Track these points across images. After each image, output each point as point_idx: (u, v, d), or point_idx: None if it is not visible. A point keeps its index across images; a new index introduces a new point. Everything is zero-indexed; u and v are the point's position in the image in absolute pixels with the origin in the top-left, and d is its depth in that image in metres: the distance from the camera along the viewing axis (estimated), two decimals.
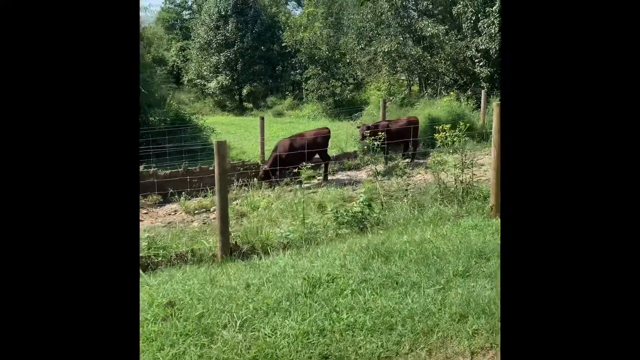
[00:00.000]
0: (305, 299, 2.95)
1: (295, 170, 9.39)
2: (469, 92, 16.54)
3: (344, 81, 23.10)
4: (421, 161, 11.93)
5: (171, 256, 4.93)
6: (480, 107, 14.39)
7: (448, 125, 6.71)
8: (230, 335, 2.51)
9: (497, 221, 5.28)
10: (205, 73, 30.16)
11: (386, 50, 17.25)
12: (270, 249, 5.00)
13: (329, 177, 10.46)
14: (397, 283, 3.21)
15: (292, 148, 9.62)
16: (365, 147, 12.38)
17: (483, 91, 14.71)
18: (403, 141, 11.89)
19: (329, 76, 22.59)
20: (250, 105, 30.73)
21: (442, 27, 16.92)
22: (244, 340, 2.45)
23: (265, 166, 9.70)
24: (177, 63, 37.00)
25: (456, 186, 6.30)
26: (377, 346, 2.38)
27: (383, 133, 8.16)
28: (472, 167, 6.38)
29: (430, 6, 18.88)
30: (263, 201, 8.37)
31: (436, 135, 6.82)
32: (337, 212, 5.73)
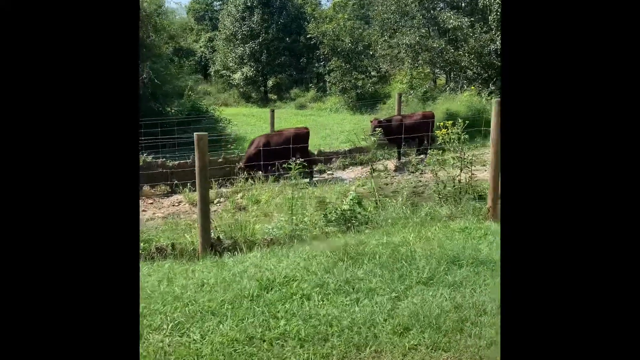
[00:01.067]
0: (250, 303, 2.82)
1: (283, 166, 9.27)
2: (491, 87, 16.02)
3: (367, 74, 22.77)
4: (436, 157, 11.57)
5: (151, 250, 4.88)
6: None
7: (450, 122, 6.46)
8: (158, 339, 2.42)
9: (489, 224, 5.04)
10: (230, 64, 30.27)
11: (408, 42, 16.87)
12: (251, 246, 4.91)
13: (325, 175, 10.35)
14: (353, 289, 3.05)
15: (267, 146, 9.49)
16: (376, 142, 12.19)
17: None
18: (418, 136, 11.60)
19: (351, 68, 22.29)
20: (275, 97, 30.71)
21: (466, 19, 16.41)
22: (169, 346, 2.35)
23: (241, 164, 9.63)
24: (205, 54, 37.26)
25: (453, 185, 6.06)
26: (303, 359, 2.24)
27: (380, 129, 7.94)
28: (471, 166, 6.11)
29: None
30: (264, 195, 8.30)
31: (437, 132, 6.58)
32: (326, 209, 5.58)
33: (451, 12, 16.38)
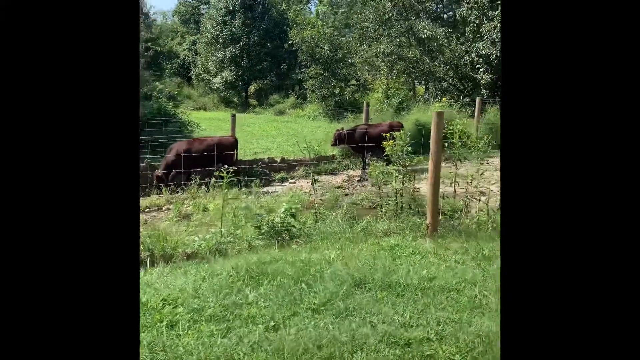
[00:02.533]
0: None
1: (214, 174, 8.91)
2: (462, 99, 15.88)
3: (345, 82, 22.57)
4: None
5: None
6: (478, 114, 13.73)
7: (398, 133, 6.20)
8: None
9: (422, 242, 4.76)
10: (211, 68, 29.94)
11: (383, 51, 16.68)
12: (169, 259, 4.59)
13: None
14: (231, 315, 2.74)
15: (188, 152, 9.06)
16: (339, 152, 11.93)
17: (478, 98, 14.06)
18: (382, 146, 11.36)
19: (329, 76, 22.08)
20: (255, 102, 30.41)
21: (442, 30, 16.27)
22: None
23: (158, 171, 9.22)
24: (189, 57, 36.89)
25: (395, 199, 5.79)
26: None
27: (339, 147, 7.65)
28: (414, 180, 5.85)
29: (435, 8, 18.23)
30: (212, 204, 7.97)
31: (384, 143, 6.31)
32: (260, 221, 5.27)
33: (426, 22, 16.22)
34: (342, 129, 11.31)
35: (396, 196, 5.77)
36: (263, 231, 5.11)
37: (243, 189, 8.61)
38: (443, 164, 12.33)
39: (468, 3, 17.33)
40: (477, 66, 16.64)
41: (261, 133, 17.94)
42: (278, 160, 11.52)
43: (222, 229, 5.23)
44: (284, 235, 5.10)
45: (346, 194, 9.02)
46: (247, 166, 10.00)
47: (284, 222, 5.22)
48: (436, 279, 3.49)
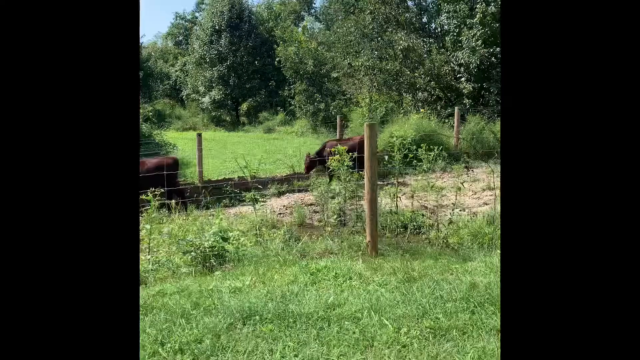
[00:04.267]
0: None
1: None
2: (441, 109, 15.65)
3: (331, 97, 22.44)
4: (380, 183, 10.96)
5: None
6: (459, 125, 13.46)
7: (344, 147, 5.94)
8: None
9: (352, 263, 4.46)
10: (200, 88, 29.96)
11: (360, 64, 16.53)
12: None
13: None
14: None
15: None
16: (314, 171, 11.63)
17: (456, 108, 13.81)
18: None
19: (314, 91, 21.96)
20: (245, 120, 30.34)
21: (419, 40, 16.11)
22: None
23: None
24: (180, 78, 37.03)
25: (338, 217, 5.51)
26: None
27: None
28: (355, 196, 5.57)
29: (415, 19, 18.10)
30: (168, 227, 7.70)
31: (331, 158, 6.05)
32: (190, 245, 4.99)
33: (402, 33, 16.06)
34: (309, 153, 11.12)
35: (339, 214, 5.48)
36: (191, 257, 4.83)
37: (194, 212, 8.33)
38: (419, 177, 11.94)
39: (448, 12, 17.21)
40: (459, 75, 16.42)
41: (244, 151, 17.74)
42: (249, 179, 11.29)
43: (149, 256, 4.95)
44: (212, 260, 4.82)
45: (315, 212, 8.75)
46: (200, 185, 9.74)
47: (215, 246, 4.94)
48: (341, 306, 3.19)
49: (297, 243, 5.29)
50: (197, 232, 5.66)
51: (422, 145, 5.73)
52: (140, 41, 36.32)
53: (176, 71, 38.14)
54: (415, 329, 2.81)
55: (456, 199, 5.90)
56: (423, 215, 5.82)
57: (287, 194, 11.48)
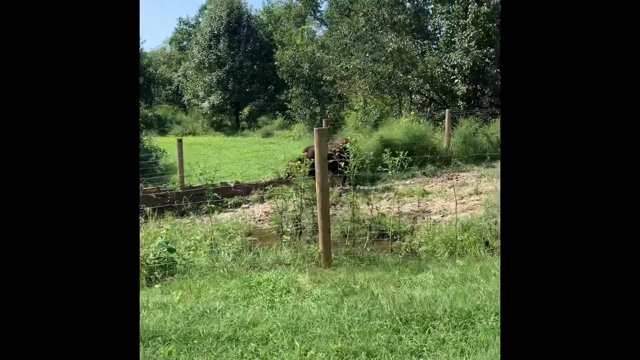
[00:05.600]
0: None
1: None
2: (432, 111, 15.39)
3: (326, 100, 22.26)
4: (364, 188, 10.72)
5: None
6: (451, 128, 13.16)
7: (304, 153, 5.75)
8: None
9: (298, 275, 4.26)
10: (199, 93, 29.91)
11: (351, 67, 16.32)
12: None
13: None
14: None
15: None
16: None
17: (447, 110, 13.53)
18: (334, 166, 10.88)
19: (310, 95, 21.79)
20: (245, 124, 30.23)
21: (410, 42, 15.87)
22: None
23: None
24: (182, 83, 37.03)
25: (295, 225, 5.31)
26: None
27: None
28: (312, 203, 5.37)
29: (408, 21, 17.85)
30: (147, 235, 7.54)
31: (289, 163, 5.85)
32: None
33: (393, 34, 15.83)
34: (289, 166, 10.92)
35: (295, 222, 5.28)
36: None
37: (170, 219, 8.14)
38: (409, 181, 11.68)
39: (441, 13, 16.94)
40: (452, 77, 16.14)
41: (237, 156, 17.59)
42: (232, 185, 11.12)
43: None
44: (156, 273, 4.63)
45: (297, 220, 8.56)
46: (182, 192, 9.56)
47: (161, 257, 4.76)
48: (256, 325, 2.99)
49: (248, 253, 5.10)
50: (146, 243, 5.48)
51: (385, 151, 5.51)
52: (141, 47, 36.47)
53: (178, 76, 38.16)
54: (322, 351, 2.60)
55: (418, 205, 5.67)
56: (387, 221, 5.60)
57: (271, 200, 11.32)
